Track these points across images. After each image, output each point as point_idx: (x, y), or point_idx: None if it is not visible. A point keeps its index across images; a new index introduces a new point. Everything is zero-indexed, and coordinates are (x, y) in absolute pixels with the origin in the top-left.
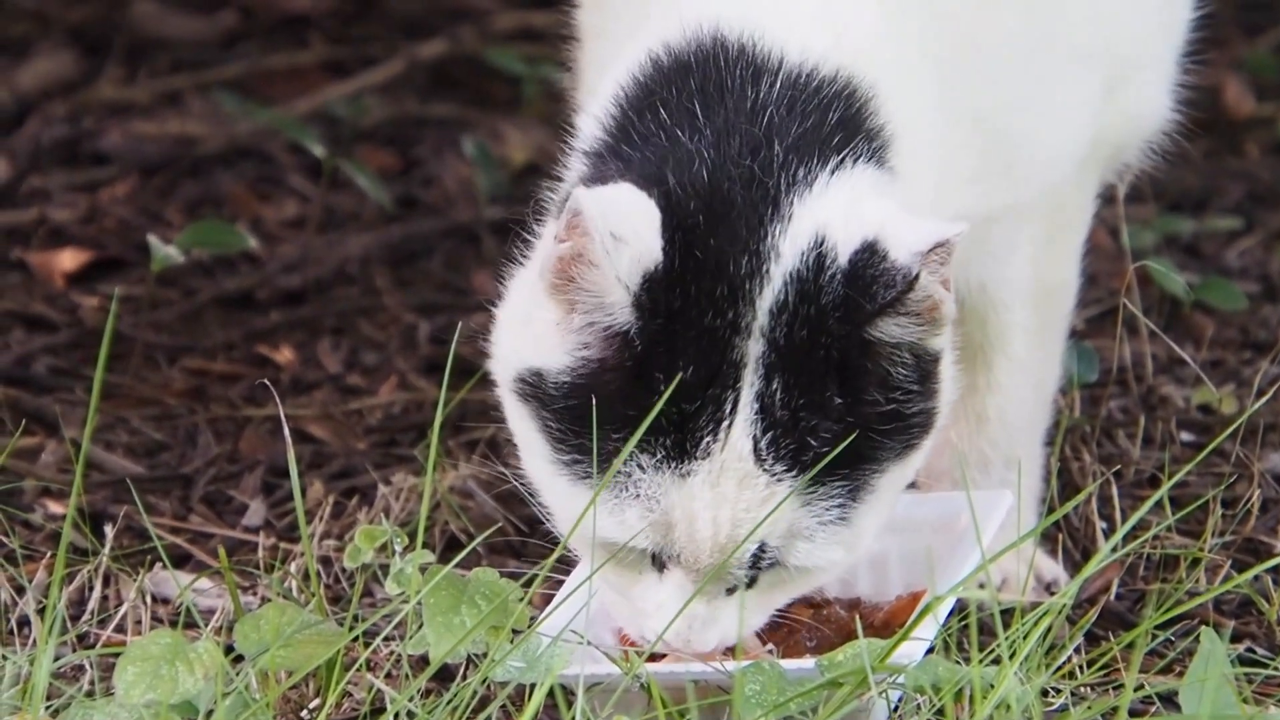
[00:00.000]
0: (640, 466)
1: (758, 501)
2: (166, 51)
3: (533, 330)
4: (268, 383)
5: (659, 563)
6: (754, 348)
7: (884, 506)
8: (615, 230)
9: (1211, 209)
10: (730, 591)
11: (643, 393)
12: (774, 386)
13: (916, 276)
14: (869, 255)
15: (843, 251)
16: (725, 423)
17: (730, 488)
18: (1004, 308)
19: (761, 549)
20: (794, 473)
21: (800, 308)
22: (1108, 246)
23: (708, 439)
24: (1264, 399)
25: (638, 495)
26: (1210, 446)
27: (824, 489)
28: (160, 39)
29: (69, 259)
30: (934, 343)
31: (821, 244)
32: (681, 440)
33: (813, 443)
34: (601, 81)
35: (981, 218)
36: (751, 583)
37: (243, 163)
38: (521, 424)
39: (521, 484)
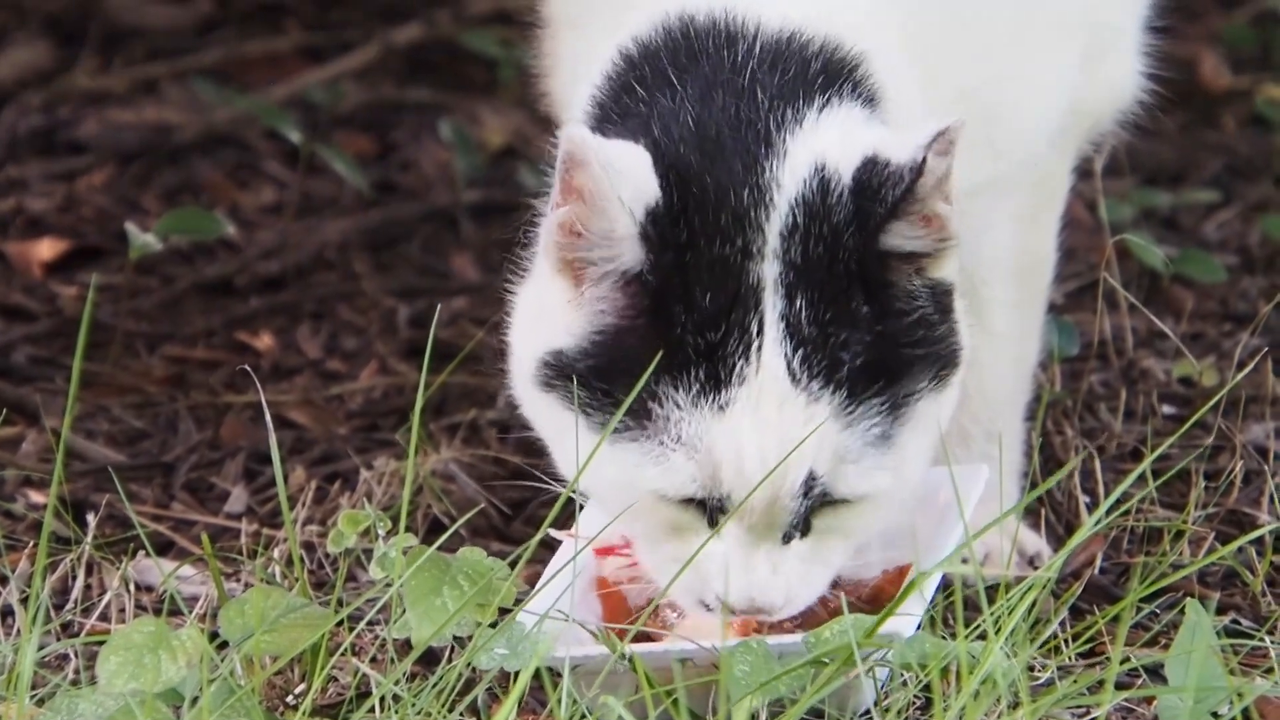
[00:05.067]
0: (677, 405)
1: (799, 424)
2: (142, 40)
3: (546, 318)
4: (248, 369)
5: (713, 520)
6: (770, 270)
7: (924, 435)
8: (612, 163)
9: (1189, 182)
10: (787, 541)
11: (665, 328)
12: (798, 305)
13: (924, 161)
14: (871, 166)
15: (845, 171)
16: (754, 345)
17: (770, 412)
18: (983, 283)
19: (811, 477)
20: (830, 389)
21: (812, 227)
22: (1086, 220)
23: (740, 363)
24: (1245, 371)
25: (679, 439)
26: (1192, 419)
27: (863, 408)
28: (136, 27)
29: (47, 248)
30: (944, 268)
31: (823, 169)
32: (714, 369)
33: (844, 356)
34: (581, 78)
35: (963, 193)
36: (805, 530)
37: (220, 150)
38: (551, 411)
39: (556, 479)
